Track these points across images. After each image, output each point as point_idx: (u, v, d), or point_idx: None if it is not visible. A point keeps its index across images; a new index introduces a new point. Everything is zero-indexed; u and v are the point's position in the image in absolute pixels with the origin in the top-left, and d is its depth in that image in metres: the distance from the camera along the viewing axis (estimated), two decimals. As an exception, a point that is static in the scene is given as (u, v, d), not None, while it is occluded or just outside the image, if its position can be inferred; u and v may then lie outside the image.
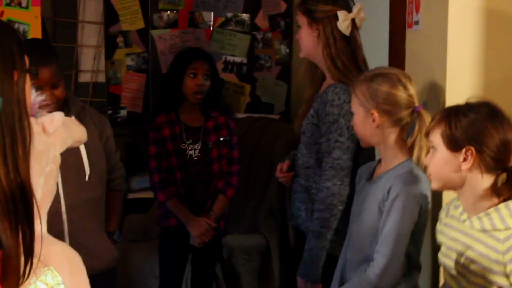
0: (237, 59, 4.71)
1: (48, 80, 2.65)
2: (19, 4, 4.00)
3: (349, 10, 2.61)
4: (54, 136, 1.76)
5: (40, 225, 1.45)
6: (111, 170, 2.96)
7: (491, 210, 1.91)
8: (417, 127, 2.19)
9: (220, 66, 4.65)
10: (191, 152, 3.41)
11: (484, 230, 1.90)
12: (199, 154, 3.41)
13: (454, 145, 1.91)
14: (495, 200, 1.92)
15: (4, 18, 3.95)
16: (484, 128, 1.88)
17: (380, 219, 2.21)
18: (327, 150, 2.52)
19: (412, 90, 2.22)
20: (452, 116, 1.93)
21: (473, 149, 1.89)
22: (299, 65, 4.45)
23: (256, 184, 4.16)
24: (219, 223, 3.47)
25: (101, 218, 2.88)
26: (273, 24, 4.73)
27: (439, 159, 1.96)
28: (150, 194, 4.27)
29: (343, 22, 2.57)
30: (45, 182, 1.71)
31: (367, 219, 2.28)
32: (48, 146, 1.74)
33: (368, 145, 2.36)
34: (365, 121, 2.27)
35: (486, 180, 1.91)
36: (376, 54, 2.90)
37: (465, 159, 1.91)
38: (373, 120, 2.25)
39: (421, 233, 2.27)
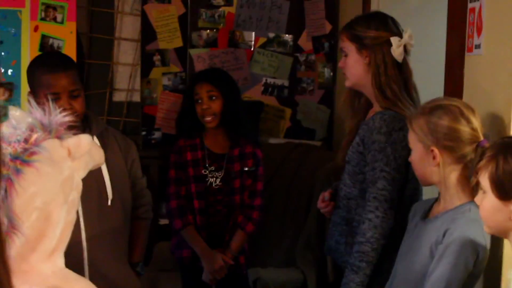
0: (278, 82, 4.55)
1: (65, 87, 2.52)
2: (54, 19, 3.99)
3: (400, 35, 2.48)
4: (78, 161, 1.59)
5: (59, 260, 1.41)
6: (136, 197, 2.81)
7: None
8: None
9: (260, 88, 4.52)
10: (212, 180, 3.22)
11: None
12: (221, 183, 3.23)
13: (502, 192, 1.69)
14: None
15: (38, 33, 3.93)
16: None
17: (431, 263, 2.02)
18: (371, 180, 2.41)
19: (476, 123, 2.03)
20: (500, 156, 1.69)
21: None
22: (343, 90, 4.29)
23: (294, 215, 3.99)
24: (238, 258, 3.27)
25: (124, 248, 2.74)
26: (317, 46, 4.57)
27: (488, 205, 1.76)
28: None
29: (397, 48, 2.44)
30: (67, 212, 1.54)
31: (416, 260, 2.10)
32: (72, 172, 1.57)
33: (427, 184, 2.19)
34: (424, 159, 2.10)
35: None
36: (430, 81, 2.71)
37: None
38: (433, 158, 2.07)
39: (473, 284, 2.06)
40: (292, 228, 3.96)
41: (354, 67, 2.53)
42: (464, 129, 2.02)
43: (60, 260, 1.41)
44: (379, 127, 2.39)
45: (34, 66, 2.63)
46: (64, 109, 2.49)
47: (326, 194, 2.68)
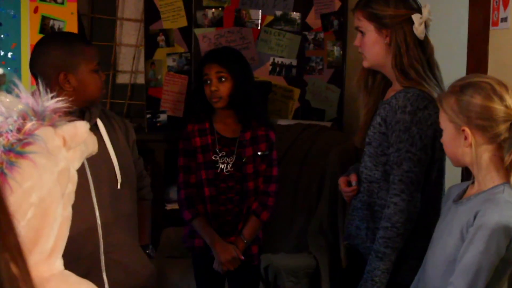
0: (286, 61, 4.43)
1: (98, 58, 2.49)
2: (55, 0, 3.85)
3: (420, 11, 2.37)
4: (73, 151, 1.45)
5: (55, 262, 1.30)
6: (138, 178, 2.73)
7: None
8: None
9: (267, 68, 4.40)
10: (223, 166, 3.09)
11: None
12: (232, 169, 3.09)
13: None
14: None
15: (38, 15, 3.85)
16: None
17: (461, 246, 1.93)
18: (396, 162, 2.32)
19: (510, 100, 1.93)
20: None
21: None
22: (353, 68, 4.19)
23: (305, 199, 3.89)
24: (250, 248, 3.13)
25: (136, 232, 2.67)
26: (326, 24, 4.45)
27: None
28: None
29: (419, 26, 2.33)
30: (63, 207, 1.41)
31: (447, 244, 2.01)
32: (68, 163, 1.43)
33: (459, 165, 2.09)
34: (455, 139, 1.99)
35: None
36: (451, 58, 2.59)
37: None
38: (465, 138, 1.96)
39: (506, 270, 1.96)
40: (304, 213, 3.87)
41: (374, 47, 2.42)
42: (497, 107, 1.92)
43: (59, 262, 1.29)
44: (403, 106, 2.29)
45: (67, 43, 2.47)
46: (104, 80, 2.49)
47: (353, 179, 2.54)
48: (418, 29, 2.34)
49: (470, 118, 1.94)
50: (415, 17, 2.34)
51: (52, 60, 2.43)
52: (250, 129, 3.10)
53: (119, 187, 2.50)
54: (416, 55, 2.35)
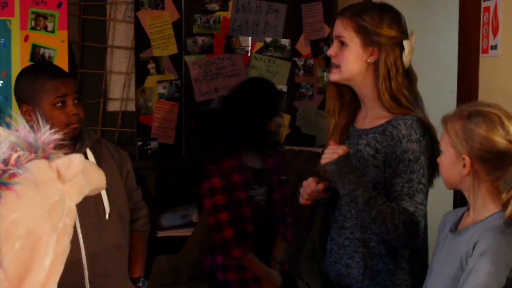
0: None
1: (73, 89, 2.47)
2: (45, 28, 3.91)
3: (408, 37, 2.24)
4: (70, 184, 1.43)
5: None
6: (133, 209, 2.73)
7: None
8: None
9: (258, 94, 4.38)
10: (260, 198, 3.09)
11: None
12: (265, 199, 3.10)
13: None
14: None
15: (29, 43, 3.86)
16: None
17: (461, 277, 1.90)
18: (407, 193, 2.15)
19: None
20: None
21: None
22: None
23: (297, 225, 3.86)
24: (283, 266, 3.23)
25: (125, 263, 2.65)
26: (315, 50, 4.47)
27: None
28: (181, 232, 4.09)
29: (409, 54, 2.20)
30: (57, 241, 1.39)
31: (445, 275, 1.98)
32: (62, 197, 1.41)
33: (452, 188, 2.06)
34: (454, 164, 1.96)
35: None
36: (442, 85, 2.59)
37: None
38: (464, 165, 1.93)
39: None
40: (296, 239, 3.85)
41: (354, 63, 2.22)
42: (500, 140, 1.89)
43: None
44: (408, 134, 2.15)
45: (32, 76, 2.50)
46: (73, 114, 2.44)
47: (320, 186, 2.29)
48: (407, 57, 2.21)
49: (473, 147, 1.91)
50: (406, 43, 2.20)
51: (17, 91, 2.48)
52: (269, 156, 3.13)
53: (107, 217, 2.49)
54: (405, 82, 2.21)
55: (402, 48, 2.22)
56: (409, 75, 2.24)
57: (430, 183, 2.23)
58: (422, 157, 2.15)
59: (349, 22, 2.22)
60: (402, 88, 2.20)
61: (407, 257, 2.26)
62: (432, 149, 2.20)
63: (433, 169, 2.22)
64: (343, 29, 2.23)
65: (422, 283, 2.15)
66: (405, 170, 2.15)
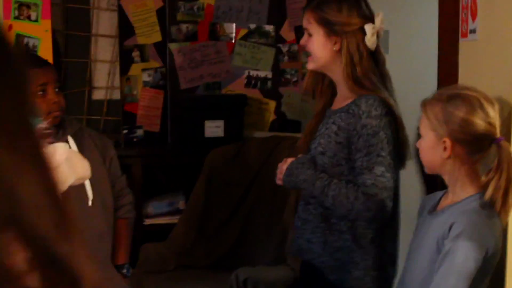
0: (261, 74, 4.45)
1: (53, 78, 2.47)
2: (29, 18, 3.89)
3: (373, 20, 2.31)
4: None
5: None
6: (117, 197, 2.73)
7: None
8: (495, 162, 1.87)
9: (243, 81, 4.41)
10: None
11: None
12: None
13: None
14: None
15: (12, 33, 3.82)
16: None
17: (438, 258, 1.92)
18: (366, 166, 2.22)
19: (495, 117, 1.91)
20: None
21: None
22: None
23: (282, 211, 3.88)
24: None
25: (108, 250, 2.68)
26: (300, 36, 4.41)
27: None
28: (168, 220, 4.08)
29: (372, 37, 2.27)
30: None
31: (424, 256, 2.00)
32: None
33: (433, 172, 2.08)
34: (434, 148, 1.98)
35: None
36: (422, 69, 2.60)
37: None
38: (444, 149, 1.95)
39: (483, 281, 1.95)
40: (281, 225, 3.87)
41: (321, 51, 2.33)
42: (480, 122, 1.91)
43: None
44: (367, 111, 2.22)
45: None
46: (54, 103, 2.43)
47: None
48: (370, 40, 2.27)
49: (452, 130, 1.92)
50: (368, 27, 2.27)
51: None
52: None
53: (90, 204, 2.51)
54: (370, 66, 2.30)
55: (365, 33, 2.29)
56: (376, 57, 2.33)
57: (398, 160, 2.28)
58: (381, 132, 2.21)
59: (312, 15, 2.35)
60: (367, 72, 2.29)
61: (371, 237, 2.29)
62: (396, 129, 2.26)
63: (399, 149, 2.27)
64: (307, 22, 2.37)
65: (385, 265, 2.18)
66: (365, 144, 2.23)
